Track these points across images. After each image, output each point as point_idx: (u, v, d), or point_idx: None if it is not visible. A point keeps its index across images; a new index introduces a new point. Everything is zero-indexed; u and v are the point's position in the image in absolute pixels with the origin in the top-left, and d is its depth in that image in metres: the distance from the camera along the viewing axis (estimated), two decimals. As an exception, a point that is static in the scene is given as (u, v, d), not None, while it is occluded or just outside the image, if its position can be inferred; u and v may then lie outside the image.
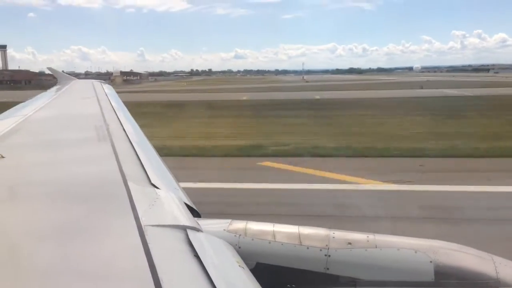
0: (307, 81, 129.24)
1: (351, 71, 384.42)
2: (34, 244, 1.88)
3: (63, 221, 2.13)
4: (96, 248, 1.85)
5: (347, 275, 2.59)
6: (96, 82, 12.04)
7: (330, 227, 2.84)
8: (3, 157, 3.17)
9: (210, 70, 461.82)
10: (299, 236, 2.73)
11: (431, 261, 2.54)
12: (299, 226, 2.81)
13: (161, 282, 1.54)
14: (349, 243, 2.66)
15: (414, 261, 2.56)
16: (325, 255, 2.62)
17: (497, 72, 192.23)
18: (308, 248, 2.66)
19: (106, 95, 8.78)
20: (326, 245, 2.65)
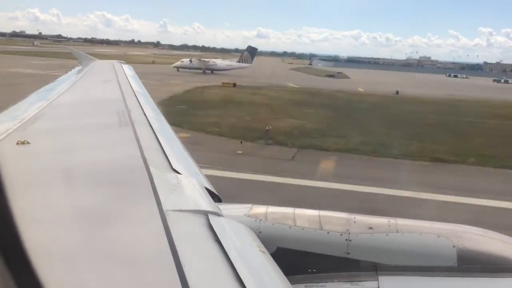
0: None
1: (284, 54, 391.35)
2: (57, 229, 1.90)
3: (86, 206, 2.13)
4: (119, 233, 1.87)
5: (368, 259, 2.59)
6: (117, 63, 12.09)
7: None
8: (28, 143, 3.20)
9: (158, 42, 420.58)
10: (320, 220, 2.71)
11: (454, 246, 2.53)
12: (320, 211, 2.79)
13: (182, 266, 1.56)
14: (370, 228, 2.66)
15: (436, 245, 2.55)
16: (346, 239, 2.61)
17: (310, 64, 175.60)
18: (328, 232, 2.65)
19: (127, 77, 8.86)
20: (347, 230, 2.64)
